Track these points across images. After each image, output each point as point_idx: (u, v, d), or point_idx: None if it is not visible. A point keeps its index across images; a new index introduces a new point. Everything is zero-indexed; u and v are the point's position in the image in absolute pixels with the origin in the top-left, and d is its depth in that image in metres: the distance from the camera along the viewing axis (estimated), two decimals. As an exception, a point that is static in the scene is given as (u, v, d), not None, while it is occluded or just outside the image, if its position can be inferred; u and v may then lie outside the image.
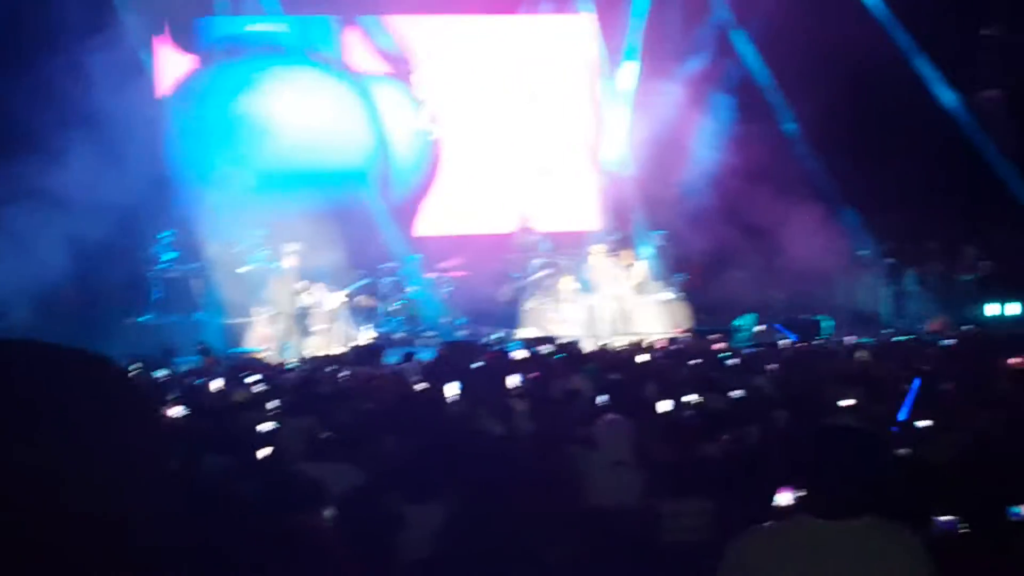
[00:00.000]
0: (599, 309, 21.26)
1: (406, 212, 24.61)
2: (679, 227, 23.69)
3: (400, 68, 24.99)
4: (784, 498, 5.05)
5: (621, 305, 21.81)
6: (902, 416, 8.13)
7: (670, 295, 22.56)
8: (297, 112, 23.53)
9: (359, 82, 24.68)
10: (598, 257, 21.49)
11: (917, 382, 8.70)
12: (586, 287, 21.56)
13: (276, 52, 24.26)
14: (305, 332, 20.38)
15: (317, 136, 23.58)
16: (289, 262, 20.95)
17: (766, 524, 3.55)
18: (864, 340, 17.80)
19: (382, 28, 24.96)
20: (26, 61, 20.29)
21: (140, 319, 21.29)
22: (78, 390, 1.17)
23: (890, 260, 22.89)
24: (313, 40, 24.56)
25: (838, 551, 3.27)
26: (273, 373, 14.80)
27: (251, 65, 23.97)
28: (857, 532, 3.32)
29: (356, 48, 24.81)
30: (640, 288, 22.10)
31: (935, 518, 5.02)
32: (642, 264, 22.43)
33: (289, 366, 16.43)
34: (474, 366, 13.79)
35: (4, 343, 1.21)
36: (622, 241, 23.33)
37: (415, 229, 24.58)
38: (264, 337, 20.21)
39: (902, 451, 6.99)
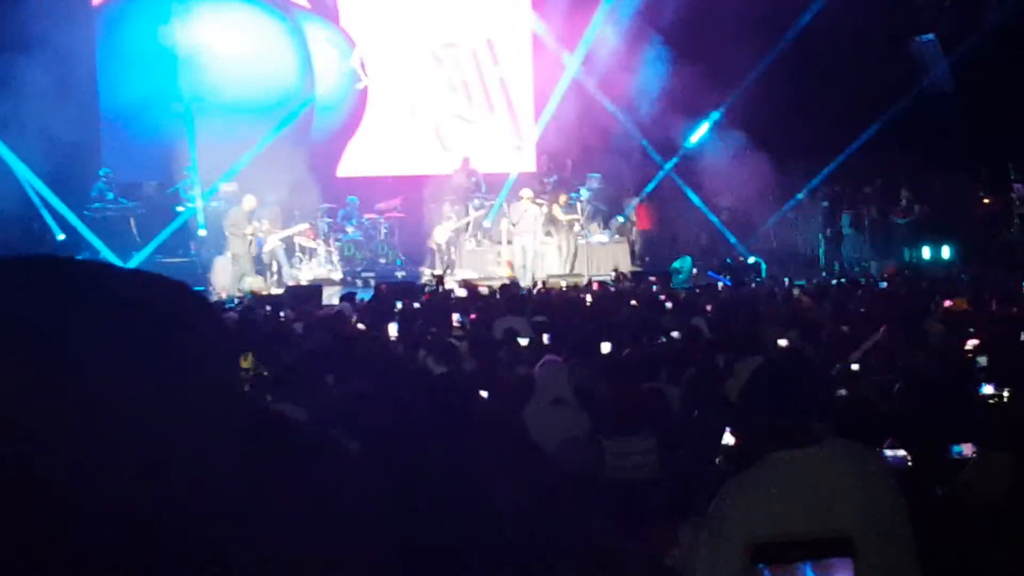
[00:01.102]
0: (529, 251, 21.29)
1: (333, 150, 24.44)
2: (616, 170, 23.74)
3: (328, 7, 24.73)
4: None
5: (558, 247, 21.93)
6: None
7: (605, 237, 22.69)
8: (226, 43, 23.21)
9: (289, 16, 24.37)
10: (525, 200, 21.46)
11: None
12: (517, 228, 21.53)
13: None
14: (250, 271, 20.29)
15: (245, 68, 23.28)
16: (226, 201, 20.95)
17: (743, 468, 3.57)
18: (799, 282, 17.99)
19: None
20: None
21: (77, 257, 21.05)
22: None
23: (826, 203, 23.07)
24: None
25: (816, 476, 3.32)
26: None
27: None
28: (828, 455, 3.37)
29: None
30: (574, 229, 22.20)
31: (884, 451, 5.11)
32: (575, 206, 22.48)
33: (228, 305, 16.33)
34: (413, 306, 13.84)
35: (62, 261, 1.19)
36: (558, 183, 23.30)
37: (345, 168, 24.43)
38: (223, 276, 20.08)
39: (841, 391, 7.09)
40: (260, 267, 20.52)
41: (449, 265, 21.30)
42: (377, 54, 24.80)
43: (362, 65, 24.62)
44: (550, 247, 22.21)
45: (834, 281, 19.26)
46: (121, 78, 22.85)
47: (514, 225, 21.45)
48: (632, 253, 22.60)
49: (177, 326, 1.11)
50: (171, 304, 1.14)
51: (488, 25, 25.21)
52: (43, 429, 1.02)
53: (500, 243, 22.14)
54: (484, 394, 6.90)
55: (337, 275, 21.13)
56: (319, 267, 21.24)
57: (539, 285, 17.92)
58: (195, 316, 1.14)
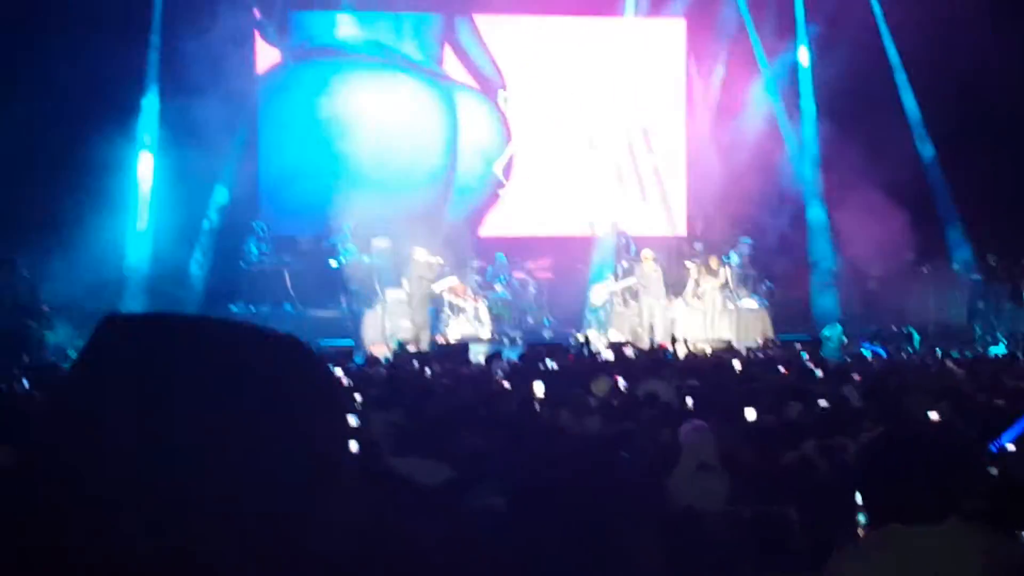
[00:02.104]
0: (657, 312, 21.22)
1: (474, 217, 24.75)
2: (767, 234, 23.58)
3: (489, 84, 25.08)
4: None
5: (703, 311, 21.82)
6: (1004, 440, 7.98)
7: (754, 303, 22.47)
8: (383, 114, 23.77)
9: (446, 90, 24.82)
10: (648, 262, 21.45)
11: None
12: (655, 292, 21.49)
13: (365, 57, 24.47)
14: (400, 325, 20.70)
15: (400, 139, 23.82)
16: (378, 256, 21.39)
17: (860, 536, 3.51)
18: (954, 354, 17.56)
19: (478, 43, 25.06)
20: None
21: (231, 307, 21.59)
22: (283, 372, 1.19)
23: (979, 276, 22.52)
24: (407, 47, 24.76)
25: (932, 555, 3.24)
26: (359, 367, 14.96)
27: (340, 66, 24.22)
28: (949, 536, 3.29)
29: (450, 58, 24.96)
30: (722, 294, 22.06)
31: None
32: (724, 270, 22.33)
33: (374, 360, 16.56)
34: (559, 367, 13.85)
35: (212, 322, 1.23)
36: (708, 247, 23.26)
37: (487, 228, 24.68)
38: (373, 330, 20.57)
39: (992, 470, 6.88)
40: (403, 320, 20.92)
41: (601, 326, 21.32)
42: (532, 130, 25.03)
43: (508, 168, 24.88)
44: (696, 312, 22.11)
45: (990, 354, 18.75)
46: (280, 140, 23.58)
47: (644, 287, 21.44)
48: (782, 318, 22.33)
49: (282, 383, 1.14)
50: (279, 361, 1.17)
51: (644, 113, 25.30)
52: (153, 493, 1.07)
53: (647, 305, 22.11)
54: (626, 454, 6.87)
55: (485, 333, 21.28)
56: (467, 324, 21.42)
57: (684, 350, 17.79)
58: (302, 371, 1.17)
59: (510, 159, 25.01)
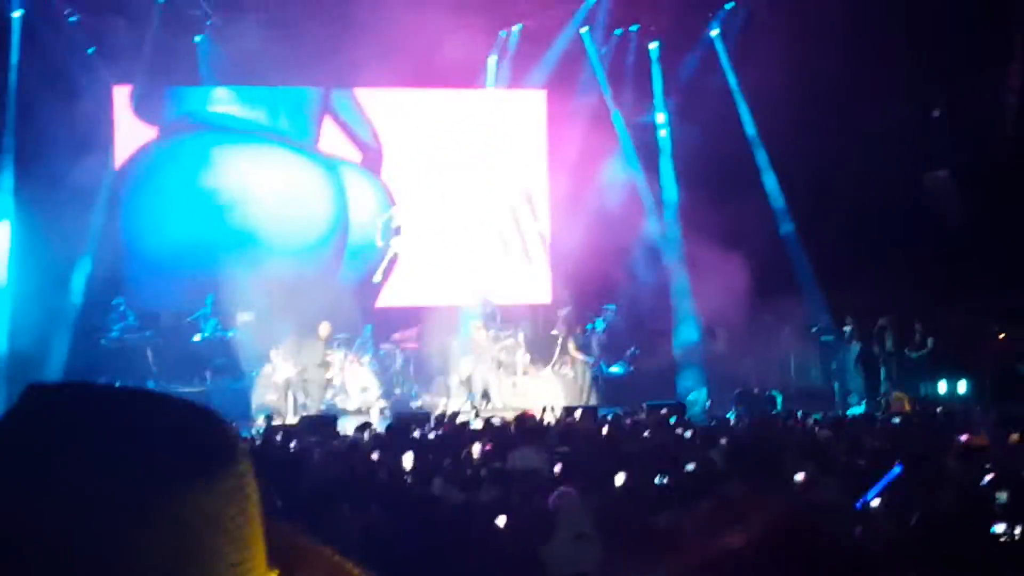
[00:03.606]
0: (478, 380, 21.46)
1: (364, 287, 24.66)
2: (632, 299, 23.90)
3: (371, 155, 25.15)
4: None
5: (573, 379, 22.07)
6: (869, 497, 8.17)
7: (619, 369, 22.79)
8: (261, 187, 23.65)
9: (327, 164, 24.85)
10: (477, 331, 21.72)
11: (897, 469, 8.67)
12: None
13: (243, 131, 24.39)
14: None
15: (280, 212, 23.68)
16: (242, 330, 21.23)
17: None
18: (816, 416, 17.89)
19: (358, 115, 25.14)
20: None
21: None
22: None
23: (842, 336, 23.07)
24: (286, 124, 24.75)
25: None
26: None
27: (215, 139, 24.08)
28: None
29: (329, 133, 25.00)
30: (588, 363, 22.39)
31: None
32: (589, 342, 22.70)
33: (243, 435, 16.31)
34: (430, 436, 13.83)
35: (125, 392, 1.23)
36: (573, 314, 23.53)
37: (377, 301, 24.62)
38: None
39: (857, 528, 7.04)
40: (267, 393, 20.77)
41: (479, 398, 21.33)
42: (415, 203, 25.18)
43: (395, 229, 24.96)
44: (567, 379, 22.33)
45: (849, 414, 19.19)
46: (147, 213, 23.31)
47: (478, 356, 21.67)
48: (649, 382, 22.59)
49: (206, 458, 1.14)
50: (203, 435, 1.17)
51: (523, 184, 25.65)
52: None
53: (515, 374, 22.26)
54: (501, 521, 6.87)
55: (352, 405, 21.15)
56: (334, 396, 21.30)
57: (553, 417, 17.86)
58: (224, 447, 1.18)
59: (393, 227, 25.02)
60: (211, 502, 1.12)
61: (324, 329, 21.06)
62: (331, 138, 25.03)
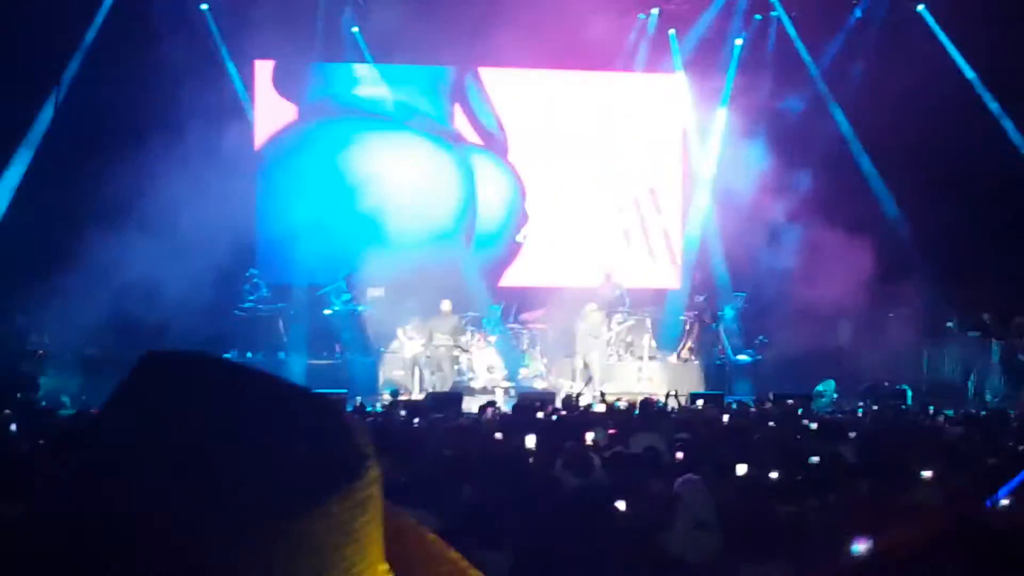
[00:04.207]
0: (595, 365, 21.30)
1: (492, 271, 24.78)
2: (762, 288, 23.63)
3: (496, 142, 25.22)
4: (862, 547, 4.99)
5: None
6: (1001, 496, 7.96)
7: (747, 357, 22.57)
8: (395, 170, 23.87)
9: (457, 148, 24.98)
10: (593, 314, 21.53)
11: None
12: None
13: (382, 115, 24.64)
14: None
15: (412, 196, 23.89)
16: (373, 306, 21.53)
17: None
18: (947, 412, 17.53)
19: (484, 100, 25.21)
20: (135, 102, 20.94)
21: (224, 355, 21.48)
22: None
23: (976, 333, 22.54)
24: (425, 105, 24.93)
25: None
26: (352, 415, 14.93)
27: (354, 123, 24.37)
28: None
29: (459, 118, 25.13)
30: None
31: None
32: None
33: (367, 408, 16.53)
34: (553, 418, 13.83)
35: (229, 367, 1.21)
36: (707, 301, 23.42)
37: (502, 281, 24.72)
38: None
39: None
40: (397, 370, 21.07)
41: (589, 380, 21.25)
42: (542, 187, 25.19)
43: (524, 214, 25.07)
44: (693, 365, 22.26)
45: (983, 412, 18.75)
46: (282, 191, 23.72)
47: (595, 338, 21.49)
48: (776, 373, 22.34)
49: (306, 444, 1.12)
50: (308, 422, 1.15)
51: (651, 172, 25.46)
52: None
53: (642, 358, 22.16)
54: (621, 505, 6.84)
55: (479, 383, 21.27)
56: (461, 374, 21.45)
57: (677, 403, 17.76)
58: (328, 437, 1.16)
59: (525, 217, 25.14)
60: (345, 512, 1.12)
61: (446, 306, 21.27)
62: (464, 119, 25.17)
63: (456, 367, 21.45)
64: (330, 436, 1.17)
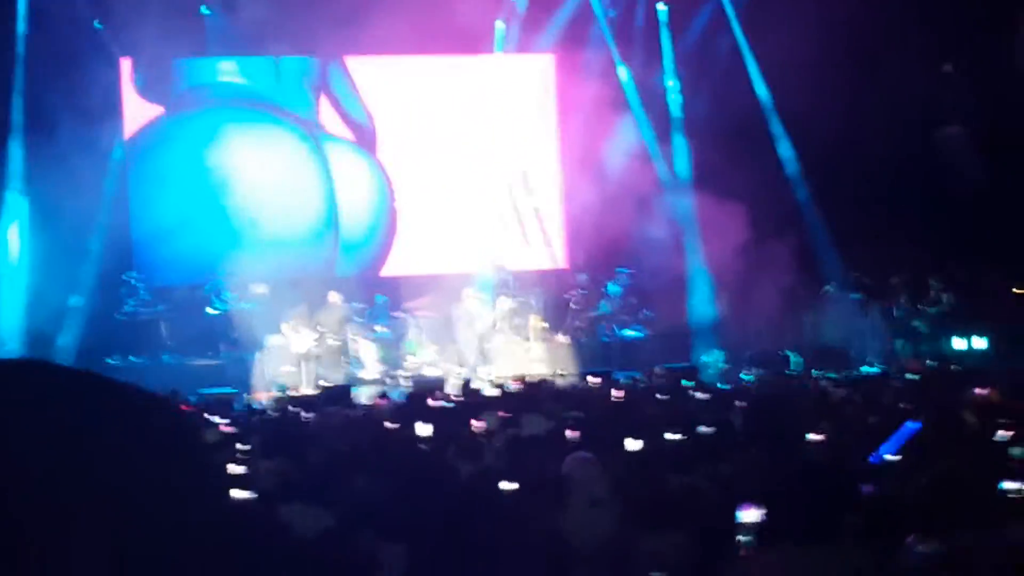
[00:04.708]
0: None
1: (370, 264, 24.68)
2: (645, 263, 23.83)
3: (364, 133, 25.04)
4: (750, 515, 5.06)
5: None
6: (883, 452, 8.13)
7: (637, 332, 22.77)
8: (260, 168, 23.63)
9: (324, 143, 24.79)
10: (470, 299, 21.66)
11: (914, 425, 8.61)
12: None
13: (243, 106, 24.29)
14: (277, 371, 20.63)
15: (277, 192, 23.72)
16: (256, 302, 21.32)
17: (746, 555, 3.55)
18: (830, 375, 17.87)
19: (350, 90, 25.00)
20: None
21: (108, 360, 21.18)
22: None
23: (856, 294, 23.01)
24: (286, 98, 24.60)
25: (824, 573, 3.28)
26: (241, 414, 14.80)
27: (220, 115, 23.98)
28: (839, 553, 3.33)
29: (326, 110, 24.87)
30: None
31: (911, 544, 5.02)
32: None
33: (256, 406, 16.39)
34: (444, 405, 13.81)
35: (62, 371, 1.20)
36: (590, 280, 23.61)
37: (383, 270, 24.64)
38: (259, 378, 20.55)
39: (868, 487, 6.99)
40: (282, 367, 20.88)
41: (477, 364, 21.32)
42: (416, 174, 25.05)
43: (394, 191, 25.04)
44: (580, 344, 22.37)
45: (864, 372, 19.15)
46: (154, 190, 23.31)
47: (458, 324, 21.69)
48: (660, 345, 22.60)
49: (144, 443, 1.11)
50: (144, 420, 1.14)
51: (525, 154, 25.47)
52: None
53: (529, 339, 22.23)
54: (510, 486, 6.84)
55: (369, 375, 21.18)
56: (349, 367, 21.34)
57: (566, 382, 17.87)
58: (168, 433, 1.15)
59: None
60: None
61: (334, 297, 21.17)
62: (331, 111, 24.98)
63: (345, 359, 21.33)
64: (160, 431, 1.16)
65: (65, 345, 20.81)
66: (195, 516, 1.15)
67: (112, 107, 22.94)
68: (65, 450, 1.09)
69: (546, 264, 25.12)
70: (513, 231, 25.37)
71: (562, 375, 19.73)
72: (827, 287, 23.47)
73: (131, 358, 21.30)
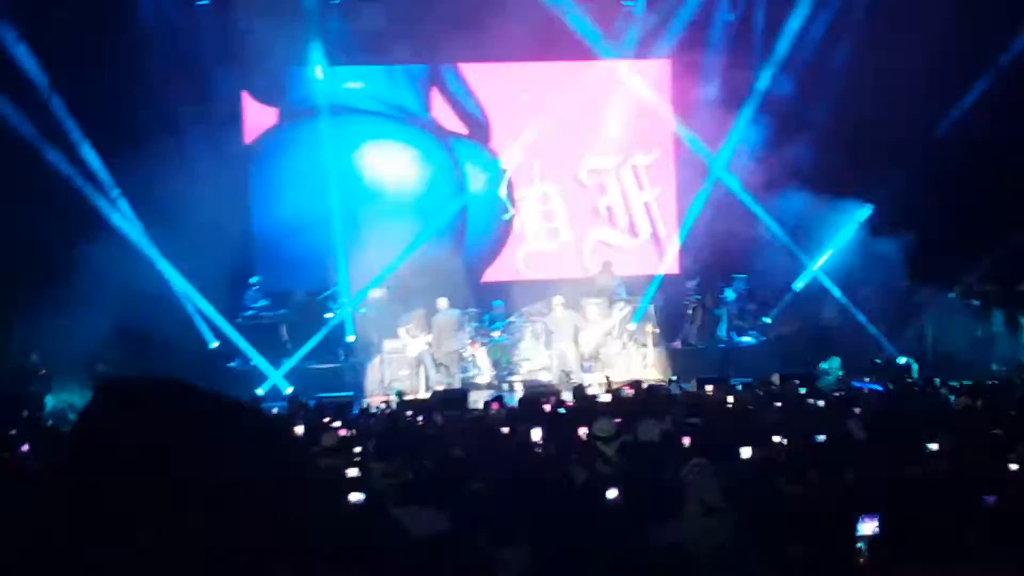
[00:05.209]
0: (570, 356, 21.26)
1: (481, 263, 24.81)
2: (761, 267, 23.60)
3: (479, 129, 25.18)
4: (867, 527, 5.01)
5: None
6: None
7: (751, 339, 22.55)
8: (382, 167, 23.88)
9: (442, 140, 24.91)
10: (559, 309, 21.50)
11: None
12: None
13: (361, 111, 24.57)
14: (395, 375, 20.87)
15: (399, 190, 23.93)
16: (374, 308, 21.54)
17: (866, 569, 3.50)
18: (952, 383, 17.52)
19: (465, 89, 25.16)
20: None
21: (229, 364, 21.59)
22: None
23: (977, 302, 22.55)
24: (399, 99, 24.83)
25: None
26: (358, 418, 14.97)
27: (337, 121, 24.20)
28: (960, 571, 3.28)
29: (441, 108, 25.06)
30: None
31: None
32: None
33: (373, 411, 16.55)
34: (559, 411, 13.82)
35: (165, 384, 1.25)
36: (701, 284, 23.51)
37: (491, 275, 24.73)
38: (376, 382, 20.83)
39: (990, 499, 6.86)
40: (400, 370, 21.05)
41: (591, 369, 21.31)
42: (525, 174, 25.12)
43: (510, 194, 25.02)
44: (695, 351, 22.28)
45: (988, 382, 18.73)
46: (273, 196, 23.65)
47: (552, 333, 21.47)
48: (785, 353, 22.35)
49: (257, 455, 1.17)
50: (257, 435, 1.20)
51: (634, 150, 25.40)
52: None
53: (645, 345, 22.13)
54: (612, 494, 6.83)
55: (484, 379, 21.27)
56: (465, 371, 21.44)
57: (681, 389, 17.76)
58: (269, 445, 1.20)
59: (509, 187, 25.12)
60: None
61: (442, 303, 21.22)
62: (442, 113, 25.13)
63: (461, 364, 21.43)
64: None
65: (191, 350, 21.14)
66: (298, 508, 1.20)
67: (234, 117, 23.42)
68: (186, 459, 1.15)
69: (659, 269, 24.95)
70: (628, 235, 25.33)
71: (675, 381, 19.61)
72: (950, 293, 23.01)
73: (251, 363, 21.64)
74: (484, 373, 21.48)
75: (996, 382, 18.42)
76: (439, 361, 21.14)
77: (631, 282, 23.27)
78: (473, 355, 21.67)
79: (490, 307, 23.05)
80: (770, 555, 5.78)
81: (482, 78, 25.22)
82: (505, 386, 20.83)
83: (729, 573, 5.64)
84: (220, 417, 1.22)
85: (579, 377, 20.43)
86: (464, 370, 21.45)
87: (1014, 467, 7.91)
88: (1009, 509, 6.40)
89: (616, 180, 25.47)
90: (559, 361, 21.31)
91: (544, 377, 21.38)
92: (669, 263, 25.16)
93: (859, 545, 4.86)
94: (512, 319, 22.82)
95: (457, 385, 20.22)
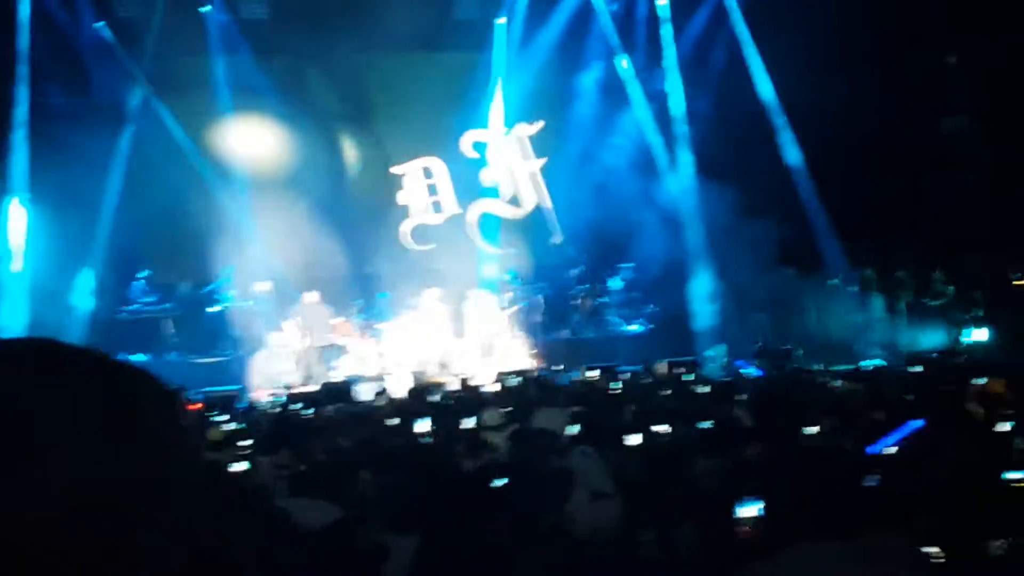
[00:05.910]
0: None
1: (367, 249, 24.63)
2: (647, 258, 23.79)
3: (359, 111, 25.03)
4: (749, 509, 5.07)
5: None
6: (882, 446, 8.12)
7: (639, 327, 22.72)
8: (267, 156, 23.67)
9: (323, 129, 24.75)
10: (433, 300, 21.65)
11: (919, 423, 8.59)
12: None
13: (251, 99, 24.28)
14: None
15: (281, 176, 23.70)
16: (260, 300, 21.30)
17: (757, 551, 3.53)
18: (834, 368, 17.85)
19: (349, 77, 25.08)
20: None
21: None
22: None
23: (859, 288, 22.99)
24: (292, 90, 24.63)
25: (845, 571, 3.24)
26: (245, 411, 14.83)
27: (222, 108, 23.91)
28: (860, 550, 3.31)
29: (325, 98, 24.93)
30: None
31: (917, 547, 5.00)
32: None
33: (260, 405, 16.40)
34: (448, 401, 13.82)
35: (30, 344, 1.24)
36: (585, 273, 23.69)
37: (379, 262, 24.60)
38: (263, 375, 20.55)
39: (872, 479, 6.98)
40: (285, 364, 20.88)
41: (479, 359, 21.35)
42: (406, 149, 25.03)
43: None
44: (583, 338, 22.37)
45: (868, 366, 19.12)
46: (157, 189, 23.22)
47: (435, 325, 21.66)
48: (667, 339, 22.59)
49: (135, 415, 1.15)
50: (134, 393, 1.18)
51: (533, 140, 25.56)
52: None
53: (533, 335, 22.21)
54: (500, 483, 6.85)
55: (371, 370, 21.17)
56: (353, 363, 21.32)
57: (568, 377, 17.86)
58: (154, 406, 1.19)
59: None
60: None
61: (311, 297, 21.13)
62: (326, 103, 24.94)
63: (342, 356, 21.31)
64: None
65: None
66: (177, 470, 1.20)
67: (117, 109, 23.00)
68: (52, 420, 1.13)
69: (546, 260, 25.01)
70: (510, 206, 25.38)
71: (563, 370, 19.70)
72: (831, 281, 23.44)
73: (137, 357, 21.29)
74: (371, 365, 21.37)
75: (876, 366, 18.81)
76: (317, 354, 21.03)
77: (521, 270, 23.32)
78: (354, 347, 21.55)
79: (375, 299, 22.91)
80: (657, 539, 5.83)
81: (368, 69, 25.06)
82: (391, 378, 20.75)
83: (615, 556, 5.68)
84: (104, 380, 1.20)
85: (466, 368, 20.45)
86: (346, 363, 21.32)
87: (892, 450, 8.06)
88: (889, 489, 6.53)
89: (500, 151, 25.46)
90: (442, 353, 21.32)
91: (430, 369, 21.34)
92: (556, 252, 25.23)
93: (744, 527, 4.91)
94: (397, 311, 22.73)
95: (340, 379, 20.10)
